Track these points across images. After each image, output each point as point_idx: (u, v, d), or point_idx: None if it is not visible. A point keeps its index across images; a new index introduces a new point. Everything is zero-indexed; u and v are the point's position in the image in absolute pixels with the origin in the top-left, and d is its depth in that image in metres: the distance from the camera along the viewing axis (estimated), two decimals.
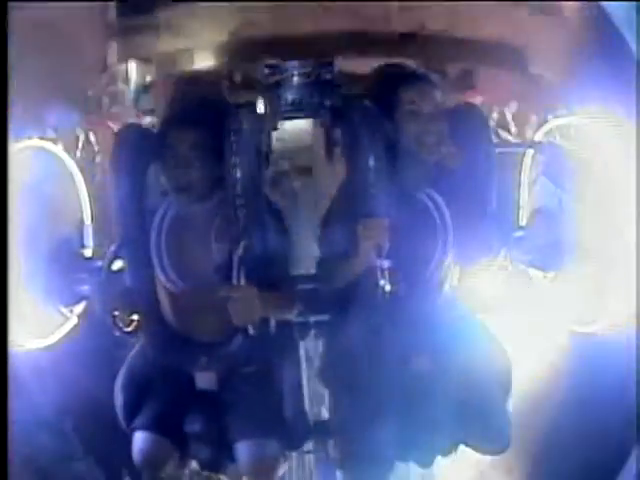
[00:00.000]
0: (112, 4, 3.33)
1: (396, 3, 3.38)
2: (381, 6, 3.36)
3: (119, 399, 2.53)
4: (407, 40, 3.35)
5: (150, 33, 3.37)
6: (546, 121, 2.62)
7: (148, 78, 3.41)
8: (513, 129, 3.55)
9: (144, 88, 3.41)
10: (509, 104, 3.59)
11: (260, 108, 2.47)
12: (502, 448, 2.45)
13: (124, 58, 3.38)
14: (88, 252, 2.60)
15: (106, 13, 3.32)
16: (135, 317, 2.39)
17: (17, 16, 2.12)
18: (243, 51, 3.28)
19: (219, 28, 3.31)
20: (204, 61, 3.40)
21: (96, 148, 3.16)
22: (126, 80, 3.37)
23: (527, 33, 3.59)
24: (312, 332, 2.67)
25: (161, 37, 3.37)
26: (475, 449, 2.52)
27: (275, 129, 2.85)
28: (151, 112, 3.26)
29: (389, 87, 2.35)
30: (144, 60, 3.43)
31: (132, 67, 3.38)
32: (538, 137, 2.64)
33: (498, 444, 2.44)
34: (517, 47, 3.63)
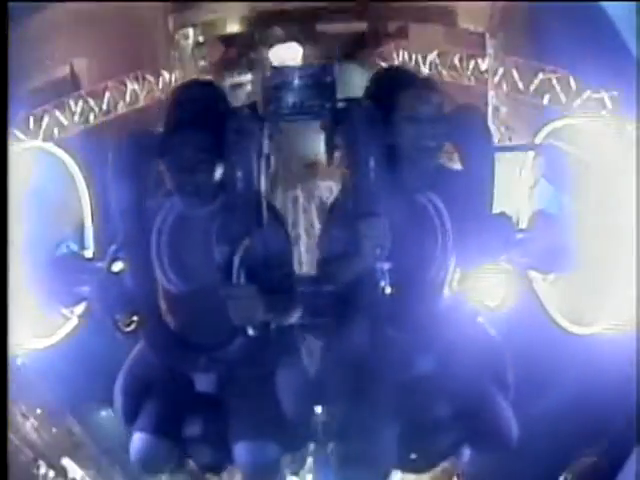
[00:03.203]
0: None
1: None
2: None
3: (118, 401, 2.53)
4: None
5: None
6: (546, 123, 2.62)
7: (200, 38, 5.42)
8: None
9: (198, 44, 5.42)
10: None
11: (261, 110, 2.47)
12: (508, 445, 2.43)
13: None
14: (89, 253, 2.61)
15: None
16: (135, 318, 2.40)
17: None
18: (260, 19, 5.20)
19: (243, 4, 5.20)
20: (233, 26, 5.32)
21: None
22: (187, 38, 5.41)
23: None
24: (312, 334, 2.66)
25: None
26: (480, 449, 2.51)
27: (276, 131, 2.85)
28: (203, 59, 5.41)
29: (389, 91, 2.36)
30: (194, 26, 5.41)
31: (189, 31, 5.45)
32: (538, 139, 2.64)
33: (504, 441, 2.43)
34: None
